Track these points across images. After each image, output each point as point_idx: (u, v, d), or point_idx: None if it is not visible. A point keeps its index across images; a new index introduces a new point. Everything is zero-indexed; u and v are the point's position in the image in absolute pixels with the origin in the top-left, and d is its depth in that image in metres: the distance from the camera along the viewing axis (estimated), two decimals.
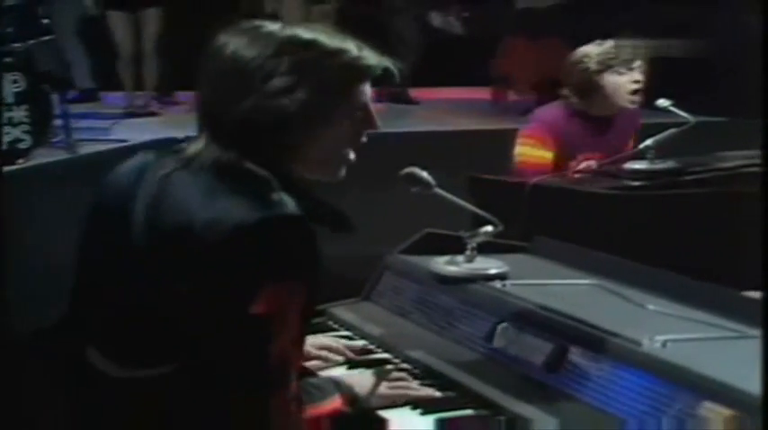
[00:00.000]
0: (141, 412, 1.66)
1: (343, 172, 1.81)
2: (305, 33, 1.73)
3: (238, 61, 1.70)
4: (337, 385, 1.84)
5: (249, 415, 1.62)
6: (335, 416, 1.78)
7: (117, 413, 1.69)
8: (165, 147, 1.85)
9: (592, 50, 3.70)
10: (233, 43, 1.72)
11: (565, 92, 3.76)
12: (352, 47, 1.75)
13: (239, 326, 1.60)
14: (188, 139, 1.78)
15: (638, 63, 3.66)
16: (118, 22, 7.70)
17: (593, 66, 3.65)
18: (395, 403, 1.89)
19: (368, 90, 1.79)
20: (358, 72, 1.76)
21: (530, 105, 8.21)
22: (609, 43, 3.69)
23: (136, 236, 1.67)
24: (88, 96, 8.40)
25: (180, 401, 1.64)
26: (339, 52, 1.73)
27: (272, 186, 1.66)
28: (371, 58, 1.77)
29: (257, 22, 1.75)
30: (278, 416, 1.63)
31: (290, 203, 1.63)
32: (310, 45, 1.72)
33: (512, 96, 8.66)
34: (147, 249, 1.65)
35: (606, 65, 3.63)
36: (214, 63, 1.73)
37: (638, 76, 3.65)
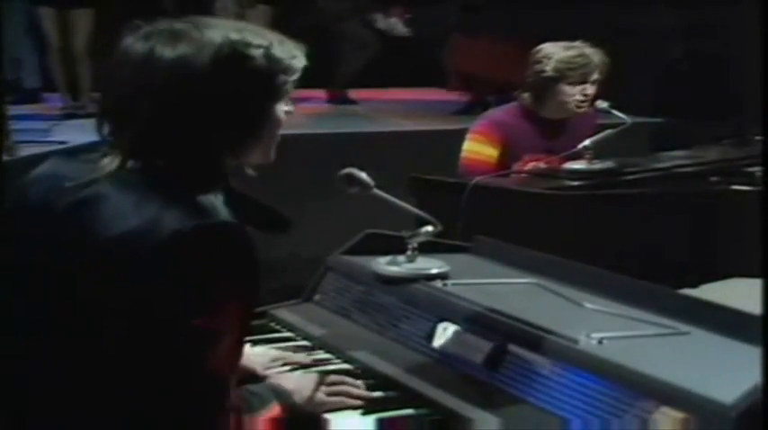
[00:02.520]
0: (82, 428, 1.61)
1: (274, 153, 1.83)
2: (233, 34, 1.71)
3: (182, 67, 1.66)
4: (276, 393, 1.82)
5: (191, 427, 1.60)
6: (274, 423, 1.77)
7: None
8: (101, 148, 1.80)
9: (553, 54, 3.66)
10: (148, 43, 1.67)
11: (517, 92, 3.79)
12: (272, 39, 1.76)
13: (176, 338, 1.56)
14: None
15: (594, 76, 3.65)
16: (46, 19, 7.63)
17: (549, 72, 3.64)
18: (334, 408, 1.89)
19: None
20: (285, 66, 1.77)
21: (462, 105, 8.33)
22: (573, 50, 3.66)
23: (62, 248, 1.61)
24: (31, 97, 8.29)
25: (124, 416, 1.59)
26: (260, 46, 1.73)
27: (204, 193, 1.64)
28: (295, 49, 1.79)
29: (167, 23, 1.71)
30: (219, 427, 1.62)
31: (223, 211, 1.62)
32: (246, 46, 1.71)
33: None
34: (74, 263, 1.59)
35: (562, 74, 3.62)
36: (135, 68, 1.68)
37: (590, 89, 3.66)
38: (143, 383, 1.58)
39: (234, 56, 1.69)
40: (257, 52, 1.72)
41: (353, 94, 9.04)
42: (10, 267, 1.69)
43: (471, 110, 7.72)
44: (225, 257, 1.59)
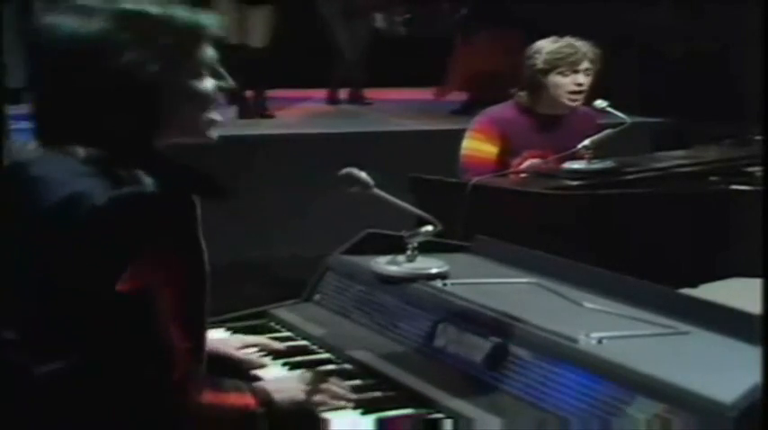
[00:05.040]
0: (53, 406, 1.65)
1: (214, 133, 1.82)
2: (132, 7, 1.73)
3: (78, 41, 1.69)
4: (252, 387, 1.84)
5: (150, 397, 1.64)
6: (245, 413, 1.78)
7: (28, 410, 1.67)
8: None
9: (543, 47, 3.71)
10: (65, 23, 1.70)
11: (514, 90, 3.80)
12: (180, 10, 1.77)
13: (111, 308, 1.61)
14: None
15: (584, 65, 3.68)
16: None
17: (539, 64, 3.67)
18: (319, 407, 1.89)
19: (209, 50, 1.80)
20: (194, 32, 1.77)
21: (462, 105, 8.31)
22: (561, 42, 3.70)
23: (15, 224, 1.69)
24: (15, 98, 8.23)
25: (88, 389, 1.64)
26: (171, 17, 1.75)
27: (127, 164, 1.68)
28: (204, 18, 1.79)
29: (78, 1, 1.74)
30: (178, 398, 1.65)
31: (143, 180, 1.66)
32: (142, 16, 1.72)
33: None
34: (18, 237, 1.67)
35: (552, 65, 3.66)
36: (50, 46, 1.71)
37: (581, 78, 3.67)
38: (93, 352, 1.62)
39: (128, 24, 1.70)
40: (153, 21, 1.72)
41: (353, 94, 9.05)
42: None
43: (470, 110, 7.72)
44: (140, 224, 1.62)
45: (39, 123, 1.75)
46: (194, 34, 1.77)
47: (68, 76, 1.70)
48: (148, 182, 1.67)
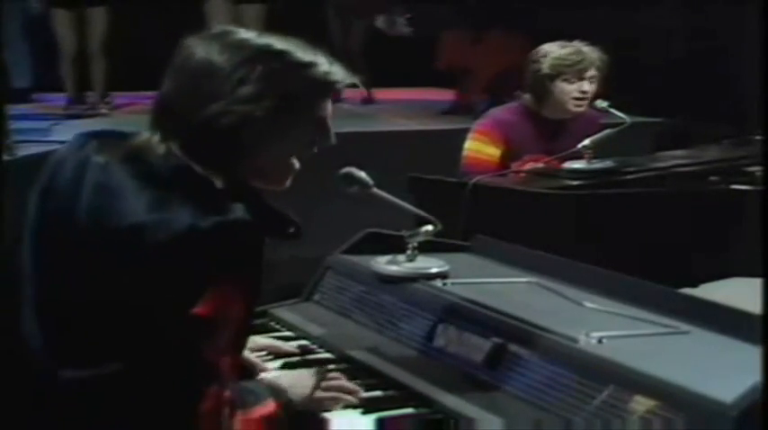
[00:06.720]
0: (81, 414, 1.64)
1: (289, 181, 1.83)
2: (278, 43, 1.76)
3: (209, 65, 1.71)
4: (271, 389, 1.84)
5: (183, 415, 1.63)
6: (269, 420, 1.78)
7: (56, 416, 1.67)
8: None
9: (550, 52, 3.68)
10: (204, 47, 1.74)
11: (518, 92, 3.79)
12: (323, 61, 1.78)
13: (179, 326, 1.61)
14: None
15: (590, 73, 3.67)
16: (62, 21, 7.59)
17: (545, 70, 3.65)
18: (330, 407, 1.90)
19: (329, 105, 1.81)
20: (325, 86, 1.79)
21: (450, 105, 8.29)
22: (569, 48, 3.68)
23: (80, 230, 1.66)
24: (22, 97, 8.23)
25: (120, 402, 1.63)
26: (310, 65, 1.76)
27: (222, 191, 1.68)
28: (340, 73, 1.80)
29: (230, 29, 1.79)
30: (211, 419, 1.64)
31: (238, 209, 1.65)
32: (282, 55, 1.75)
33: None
34: (90, 245, 1.65)
35: (558, 71, 3.64)
36: (183, 65, 1.74)
37: (587, 86, 3.66)
38: (138, 368, 1.62)
39: (259, 60, 1.72)
40: (287, 63, 1.74)
41: (352, 93, 9.03)
42: (29, 241, 1.73)
43: (458, 110, 7.76)
44: (236, 253, 1.64)
45: (155, 127, 1.74)
46: (323, 87, 1.78)
47: (190, 94, 1.71)
48: (234, 206, 1.65)
